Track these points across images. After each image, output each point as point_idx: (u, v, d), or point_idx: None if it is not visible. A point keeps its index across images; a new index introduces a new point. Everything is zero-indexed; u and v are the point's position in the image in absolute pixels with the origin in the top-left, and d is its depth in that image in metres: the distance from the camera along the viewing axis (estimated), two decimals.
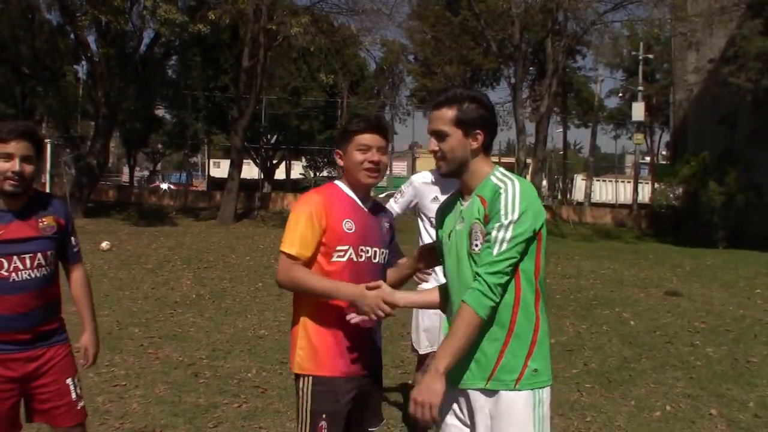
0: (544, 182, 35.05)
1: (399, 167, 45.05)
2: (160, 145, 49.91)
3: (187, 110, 38.29)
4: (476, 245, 2.37)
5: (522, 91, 26.24)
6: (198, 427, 4.58)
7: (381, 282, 2.62)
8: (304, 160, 49.98)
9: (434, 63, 32.77)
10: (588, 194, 38.76)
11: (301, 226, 2.67)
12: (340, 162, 2.81)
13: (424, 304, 2.98)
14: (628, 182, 41.39)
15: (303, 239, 2.66)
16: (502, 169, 2.50)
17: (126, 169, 51.52)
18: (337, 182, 2.86)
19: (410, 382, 4.72)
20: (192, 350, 6.56)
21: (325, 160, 48.35)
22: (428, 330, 4.11)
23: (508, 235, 2.28)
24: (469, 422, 2.44)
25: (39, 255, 2.87)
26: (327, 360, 2.67)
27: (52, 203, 3.00)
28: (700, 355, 6.86)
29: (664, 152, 50.73)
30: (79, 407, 3.05)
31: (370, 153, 2.74)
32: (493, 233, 2.29)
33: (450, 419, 2.49)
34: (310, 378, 2.67)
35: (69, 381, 3.02)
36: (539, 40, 28.07)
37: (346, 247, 2.70)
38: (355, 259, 2.72)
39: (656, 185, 28.93)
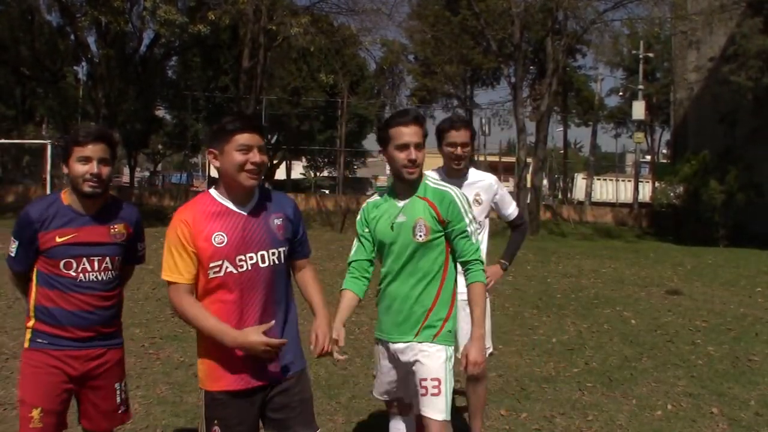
0: (545, 181, 35.05)
1: None
2: (160, 146, 49.95)
3: (188, 111, 38.28)
4: (420, 236, 3.11)
5: (522, 91, 26.22)
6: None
7: (271, 323, 2.67)
8: (304, 160, 49.98)
9: (434, 63, 32.77)
10: (588, 193, 38.75)
11: (173, 251, 2.65)
12: (216, 163, 2.68)
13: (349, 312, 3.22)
14: (629, 181, 41.36)
15: (178, 264, 2.64)
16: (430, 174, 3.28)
17: (126, 170, 51.52)
18: (210, 190, 2.77)
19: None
20: (193, 351, 6.52)
21: (326, 160, 48.35)
22: None
23: (472, 228, 3.17)
24: (395, 366, 3.23)
25: (107, 259, 3.00)
26: (216, 377, 2.70)
27: (125, 210, 3.12)
28: (702, 354, 6.86)
29: (664, 151, 50.74)
30: (119, 411, 3.18)
31: (251, 153, 2.64)
32: (469, 229, 3.15)
33: (384, 362, 3.26)
34: (203, 392, 2.75)
35: (117, 386, 3.16)
36: (539, 39, 28.06)
37: (219, 262, 2.63)
38: (235, 271, 2.65)
39: (657, 184, 28.91)
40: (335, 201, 31.12)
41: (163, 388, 5.38)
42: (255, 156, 2.64)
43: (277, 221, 2.78)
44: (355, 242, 3.36)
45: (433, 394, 3.09)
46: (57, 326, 2.93)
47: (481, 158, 37.46)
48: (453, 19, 29.41)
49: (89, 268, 2.95)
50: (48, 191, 21.68)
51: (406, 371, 3.23)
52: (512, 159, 33.04)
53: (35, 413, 2.90)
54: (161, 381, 5.54)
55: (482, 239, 4.12)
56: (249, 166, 2.63)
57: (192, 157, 53.50)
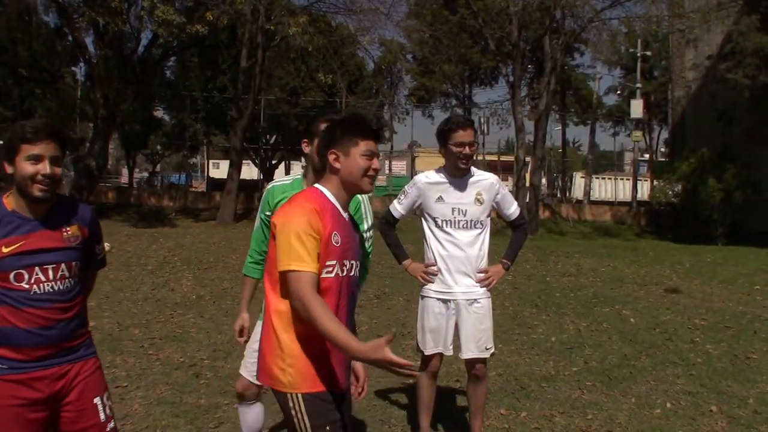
0: (543, 180, 35.02)
1: (398, 166, 44.95)
2: (159, 147, 49.87)
3: (186, 111, 38.24)
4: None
5: (520, 90, 26.23)
6: (199, 428, 4.59)
7: (392, 335, 2.42)
8: (303, 160, 49.90)
9: (432, 62, 32.80)
10: (587, 192, 38.77)
11: (303, 239, 2.46)
12: (336, 165, 2.61)
13: None
14: (627, 180, 41.43)
15: (305, 253, 2.45)
16: None
17: (125, 171, 51.48)
18: (319, 187, 2.66)
19: (411, 381, 4.72)
20: (193, 351, 6.57)
21: None
22: (434, 331, 4.12)
23: (370, 233, 3.51)
24: None
25: (63, 266, 2.67)
26: (317, 377, 2.55)
27: (78, 210, 2.80)
28: (700, 352, 6.87)
29: (662, 149, 50.77)
30: (108, 429, 2.82)
31: (374, 160, 2.61)
32: (367, 234, 3.44)
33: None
34: (300, 395, 2.53)
35: (97, 400, 2.80)
36: (537, 38, 28.03)
37: (333, 262, 2.53)
38: (341, 274, 2.58)
39: (655, 182, 28.92)
40: None
41: (163, 388, 5.39)
42: (376, 163, 2.63)
43: (357, 235, 2.77)
44: (256, 224, 3.51)
45: None
46: (13, 348, 2.58)
47: (480, 157, 37.45)
48: (451, 18, 29.43)
49: (43, 278, 2.61)
50: None
51: None
52: (511, 158, 33.08)
53: None
54: (161, 381, 5.55)
55: (483, 239, 4.13)
56: (371, 172, 2.62)
57: (191, 158, 53.47)
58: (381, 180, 44.16)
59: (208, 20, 21.01)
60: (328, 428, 2.53)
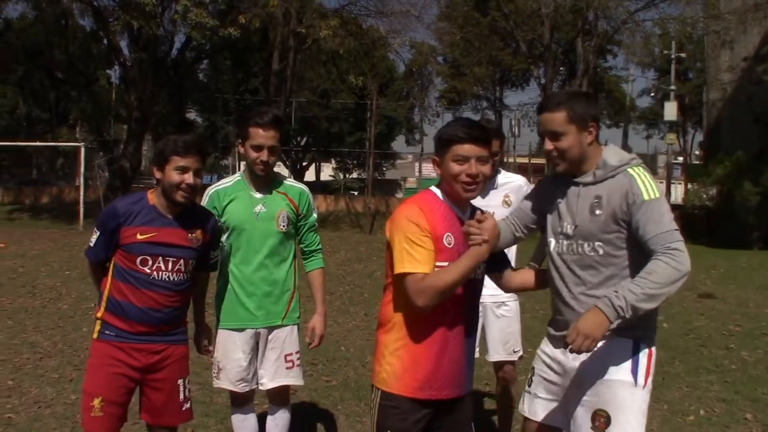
0: None
1: (428, 169, 44.89)
2: None
3: (218, 113, 38.68)
4: (282, 226, 3.50)
5: (552, 92, 26.06)
6: (229, 428, 4.60)
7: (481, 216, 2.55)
8: (333, 162, 50.20)
9: (463, 64, 32.72)
10: None
11: (416, 242, 2.49)
12: (437, 170, 2.64)
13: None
14: (661, 183, 40.71)
15: (425, 255, 2.49)
16: None
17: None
18: (433, 189, 2.68)
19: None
20: None
21: (355, 161, 48.50)
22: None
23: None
24: (261, 348, 3.52)
25: (181, 261, 3.10)
26: (399, 377, 2.57)
27: (204, 217, 3.24)
28: (735, 359, 6.76)
29: (697, 152, 50.10)
30: (184, 408, 3.26)
31: (467, 165, 2.54)
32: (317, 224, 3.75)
33: (246, 349, 3.47)
34: (379, 392, 2.61)
35: (180, 381, 3.22)
36: (569, 39, 27.88)
37: (445, 264, 2.52)
38: None
39: (689, 186, 28.51)
40: (364, 202, 31.20)
41: (193, 388, 5.38)
42: (471, 167, 2.54)
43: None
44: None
45: (289, 368, 3.56)
46: (124, 320, 3.04)
47: (511, 159, 37.30)
48: (482, 20, 29.32)
49: (163, 268, 3.05)
50: (81, 193, 22.03)
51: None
52: (542, 160, 32.83)
53: (96, 402, 3.01)
54: (192, 381, 5.51)
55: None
56: (463, 178, 2.54)
57: (222, 159, 53.98)
58: (411, 182, 44.21)
59: (241, 23, 21.19)
60: None
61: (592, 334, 2.44)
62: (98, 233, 3.08)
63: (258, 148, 3.39)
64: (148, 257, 3.02)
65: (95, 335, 3.10)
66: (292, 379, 3.59)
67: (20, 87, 36.18)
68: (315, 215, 3.72)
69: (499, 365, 4.13)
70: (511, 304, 4.08)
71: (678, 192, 39.50)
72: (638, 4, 23.88)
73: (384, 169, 50.92)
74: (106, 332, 3.06)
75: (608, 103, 45.47)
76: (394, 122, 45.10)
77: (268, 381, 3.56)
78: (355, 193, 43.23)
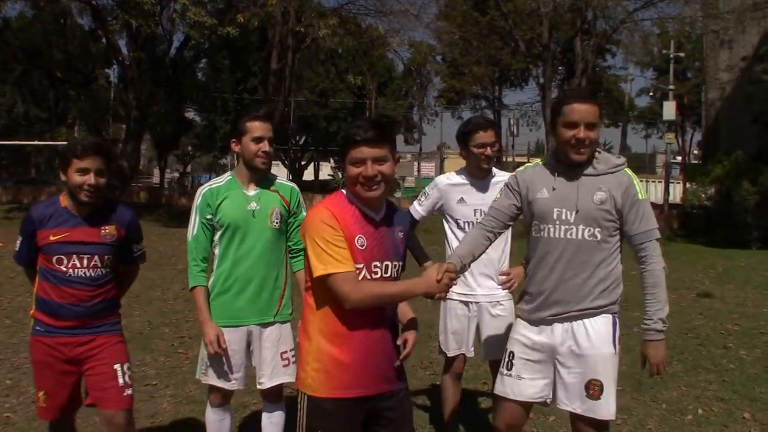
0: None
1: (427, 168, 44.98)
2: (190, 147, 50.45)
3: (217, 113, 38.65)
4: (276, 223, 3.55)
5: (551, 91, 26.03)
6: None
7: (434, 264, 2.67)
8: (332, 161, 50.14)
9: (462, 63, 32.72)
10: None
11: (330, 242, 2.52)
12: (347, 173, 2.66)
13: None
14: (659, 182, 40.90)
15: (344, 254, 2.52)
16: None
17: (157, 171, 52.10)
18: (343, 191, 2.69)
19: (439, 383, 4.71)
20: None
21: None
22: (456, 332, 4.11)
23: None
24: (256, 347, 3.55)
25: (96, 257, 3.26)
26: (323, 381, 2.59)
27: (118, 213, 3.37)
28: (733, 358, 6.76)
29: (695, 152, 50.13)
30: (125, 393, 3.32)
31: (364, 167, 2.56)
32: None
33: (237, 347, 3.49)
34: (305, 397, 2.62)
35: (117, 366, 3.32)
36: (568, 39, 27.88)
37: (360, 266, 2.56)
38: (369, 277, 2.59)
39: (688, 185, 28.50)
40: None
41: (191, 387, 5.43)
42: (367, 169, 2.55)
43: (400, 234, 2.77)
44: (196, 230, 3.57)
45: (285, 365, 3.57)
46: (50, 315, 3.24)
47: (510, 159, 37.28)
48: (481, 20, 29.32)
49: (78, 265, 3.22)
50: None
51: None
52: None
53: (41, 395, 3.31)
54: (190, 380, 5.59)
55: (505, 241, 4.12)
56: (361, 180, 2.57)
57: (221, 158, 53.98)
58: (410, 182, 44.20)
59: (239, 22, 21.18)
60: None
61: (664, 358, 3.31)
62: (21, 238, 3.33)
63: (259, 140, 3.48)
64: (62, 256, 3.21)
65: (31, 331, 3.32)
66: (288, 376, 3.59)
67: (19, 86, 36.19)
68: (305, 213, 3.64)
69: (495, 364, 4.13)
70: (506, 303, 4.09)
71: (676, 191, 39.47)
72: (637, 4, 23.92)
73: None
74: (37, 328, 3.28)
75: (607, 102, 45.50)
76: (392, 121, 45.07)
77: (267, 380, 3.57)
78: None
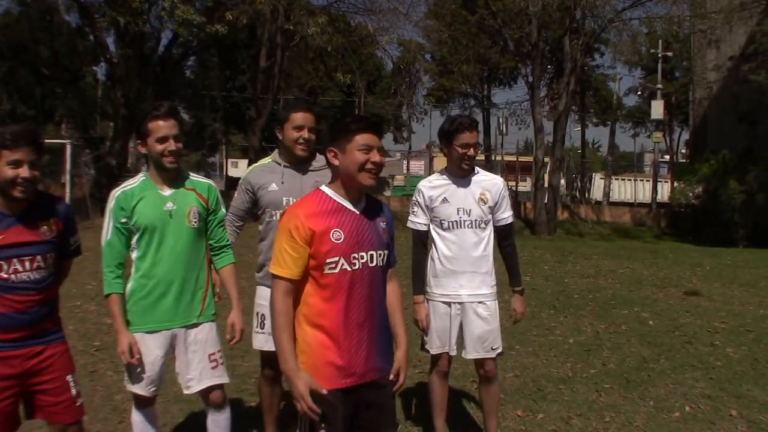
0: (562, 181, 34.80)
1: (416, 166, 44.86)
2: None
3: (205, 110, 38.50)
4: (194, 222, 3.47)
5: (540, 90, 26.05)
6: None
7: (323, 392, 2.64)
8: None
9: (451, 62, 32.68)
10: (606, 193, 38.48)
11: (285, 246, 2.64)
12: (335, 161, 2.73)
13: None
14: (647, 181, 41.00)
15: (289, 259, 2.63)
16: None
17: (144, 169, 51.88)
18: (323, 188, 2.78)
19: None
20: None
21: None
22: (439, 331, 4.11)
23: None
24: (181, 350, 3.49)
25: (39, 258, 2.97)
26: (326, 374, 2.66)
27: (52, 205, 3.09)
28: (720, 356, 6.80)
29: (683, 150, 50.36)
30: (78, 404, 3.15)
31: (371, 153, 2.68)
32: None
33: (160, 352, 3.42)
34: None
35: (69, 378, 3.12)
36: (557, 38, 27.87)
37: (336, 259, 2.65)
38: (348, 269, 2.67)
39: (675, 184, 28.64)
40: None
41: (178, 386, 5.39)
42: (375, 156, 2.69)
43: (382, 224, 2.84)
44: (110, 236, 3.45)
45: (214, 367, 3.56)
46: None
47: (498, 158, 37.33)
48: (470, 19, 29.30)
49: (20, 269, 2.92)
50: (68, 190, 21.87)
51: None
52: (529, 159, 32.88)
53: None
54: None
55: (488, 240, 4.10)
56: (369, 166, 2.68)
57: (209, 157, 53.81)
58: (399, 180, 44.15)
59: (228, 20, 21.07)
60: (323, 426, 2.64)
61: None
62: None
63: (163, 140, 3.39)
64: (1, 262, 2.89)
65: None
66: (218, 378, 3.57)
67: (4, 83, 35.88)
68: (223, 210, 3.71)
69: (479, 363, 4.14)
70: (489, 303, 4.09)
71: (664, 190, 39.58)
72: (625, 3, 23.90)
73: None
74: None
75: (595, 101, 45.64)
76: (381, 120, 45.05)
77: (196, 384, 3.53)
78: None
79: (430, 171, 37.25)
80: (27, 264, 2.94)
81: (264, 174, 4.02)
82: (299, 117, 3.89)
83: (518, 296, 4.22)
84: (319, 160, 4.05)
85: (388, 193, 39.52)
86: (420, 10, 44.31)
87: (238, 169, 47.90)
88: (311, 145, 3.95)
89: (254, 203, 4.07)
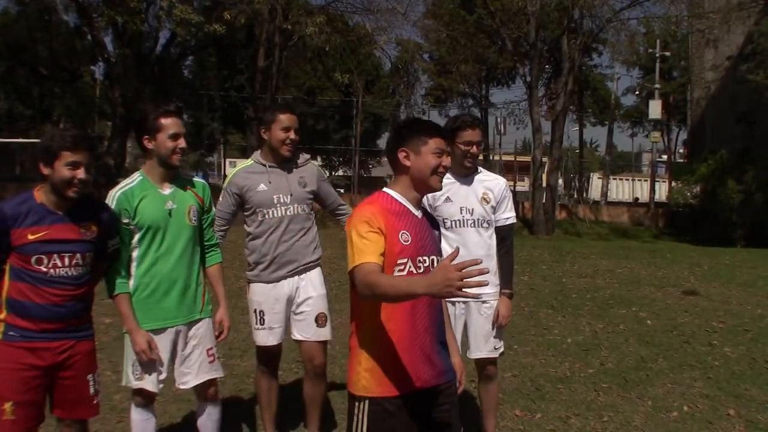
0: (560, 181, 34.85)
1: None
2: None
3: (203, 110, 38.43)
4: (193, 220, 3.57)
5: (538, 90, 26.05)
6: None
7: (455, 253, 2.38)
8: (319, 159, 50.00)
9: (449, 62, 32.67)
10: (604, 193, 38.53)
11: (365, 237, 2.55)
12: (406, 162, 2.71)
13: None
14: (645, 181, 41.07)
15: (371, 246, 2.54)
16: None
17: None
18: (386, 190, 2.77)
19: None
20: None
21: (341, 159, 48.37)
22: None
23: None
24: (181, 346, 3.55)
25: (78, 255, 3.10)
26: (380, 380, 2.63)
27: (96, 209, 3.23)
28: (718, 355, 6.81)
29: (681, 150, 50.39)
30: (94, 402, 3.29)
31: (443, 158, 2.69)
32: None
33: (167, 349, 3.49)
34: (367, 400, 2.64)
35: (89, 377, 3.24)
36: (555, 38, 27.85)
37: (405, 260, 2.63)
38: (415, 272, 2.64)
39: (673, 184, 28.67)
40: (350, 200, 31.15)
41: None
42: (446, 160, 2.71)
43: (436, 232, 2.88)
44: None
45: (211, 362, 3.65)
46: (28, 319, 3.03)
47: (497, 157, 37.34)
48: (468, 18, 29.29)
49: (59, 264, 3.06)
50: None
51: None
52: (528, 158, 32.90)
53: (7, 406, 3.00)
54: None
55: (491, 239, 4.10)
56: (441, 170, 2.69)
57: (207, 157, 53.75)
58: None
59: (226, 20, 21.04)
60: None
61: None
62: None
63: (176, 137, 3.45)
64: (42, 256, 3.02)
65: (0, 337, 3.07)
66: (215, 372, 3.66)
67: (3, 83, 35.85)
68: (214, 209, 3.87)
69: (481, 362, 4.15)
70: (492, 302, 4.09)
71: (662, 190, 39.62)
72: (623, 3, 23.93)
73: (370, 166, 50.79)
74: (10, 333, 3.05)
75: (593, 101, 45.64)
76: (380, 120, 44.99)
77: (193, 378, 3.59)
78: (341, 190, 43.10)
79: None
80: (66, 260, 3.07)
81: (249, 176, 4.10)
82: (286, 118, 4.01)
83: (505, 299, 4.16)
84: (302, 158, 4.16)
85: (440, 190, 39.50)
86: (418, 9, 44.35)
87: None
88: (296, 145, 4.03)
89: (240, 206, 4.14)
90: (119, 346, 4.51)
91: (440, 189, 2.78)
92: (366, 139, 42.92)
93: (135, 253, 3.47)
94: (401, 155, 2.72)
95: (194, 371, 3.57)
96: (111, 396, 5.02)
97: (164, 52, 27.07)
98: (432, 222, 2.86)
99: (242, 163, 4.29)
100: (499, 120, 37.26)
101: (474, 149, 3.98)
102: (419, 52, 35.61)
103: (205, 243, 3.74)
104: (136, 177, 3.55)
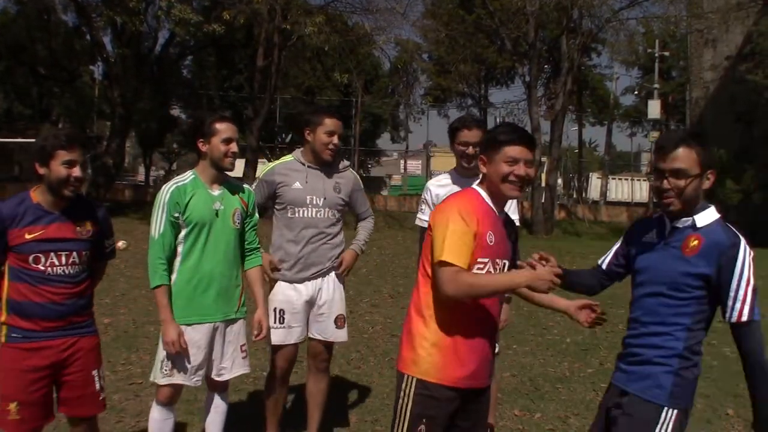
0: (559, 180, 34.87)
1: (413, 166, 44.95)
2: (175, 145, 50.13)
3: (202, 110, 38.30)
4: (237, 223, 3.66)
5: (537, 90, 26.09)
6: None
7: (547, 256, 2.66)
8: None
9: (448, 62, 32.69)
10: (603, 192, 38.54)
11: (460, 233, 2.57)
12: (484, 169, 2.74)
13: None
14: (644, 180, 41.11)
15: (464, 247, 2.57)
16: None
17: (142, 169, 51.80)
18: (476, 188, 2.78)
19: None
20: None
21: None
22: None
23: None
24: (219, 342, 3.64)
25: (74, 254, 3.15)
26: (441, 367, 2.65)
27: (90, 208, 3.30)
28: (717, 355, 6.82)
29: None
30: (100, 398, 3.33)
31: (517, 166, 2.68)
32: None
33: (203, 343, 3.55)
34: (414, 380, 2.67)
35: (94, 372, 3.29)
36: (554, 37, 27.90)
37: (486, 260, 2.66)
38: (492, 272, 2.68)
39: None
40: None
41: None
42: (520, 169, 2.68)
43: (513, 237, 2.89)
44: (161, 229, 3.60)
45: (244, 357, 3.77)
46: (29, 319, 3.08)
47: None
48: (467, 18, 29.32)
49: (57, 263, 3.10)
50: None
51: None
52: None
53: (12, 407, 3.05)
54: None
55: None
56: (512, 178, 2.68)
57: None
58: (396, 179, 44.20)
59: (225, 19, 21.04)
60: (424, 421, 2.64)
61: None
62: None
63: (228, 141, 3.56)
64: (40, 255, 3.07)
65: (3, 339, 3.11)
66: (246, 368, 3.81)
67: (2, 83, 35.84)
68: (257, 215, 3.92)
69: None
70: None
71: None
72: (622, 3, 24.00)
73: (369, 166, 50.81)
74: (13, 335, 3.09)
75: (592, 101, 45.64)
76: (379, 119, 45.01)
77: (228, 372, 3.71)
78: None
79: (427, 171, 37.28)
80: (63, 258, 3.12)
81: (287, 171, 4.10)
82: (332, 123, 4.02)
83: (504, 305, 4.18)
84: (342, 164, 4.18)
85: (385, 192, 39.58)
86: (417, 9, 44.41)
87: (236, 168, 47.88)
88: (337, 150, 4.05)
89: (270, 198, 4.14)
90: (118, 346, 4.52)
91: (515, 197, 2.76)
92: (365, 138, 42.91)
93: (180, 248, 3.57)
94: (480, 162, 2.78)
95: (229, 366, 3.70)
96: (110, 396, 5.01)
97: (163, 52, 27.09)
98: (509, 227, 2.86)
99: (282, 158, 4.27)
100: (498, 120, 37.27)
101: (470, 150, 3.98)
102: (418, 51, 35.61)
103: (246, 246, 3.82)
104: (188, 175, 3.65)
